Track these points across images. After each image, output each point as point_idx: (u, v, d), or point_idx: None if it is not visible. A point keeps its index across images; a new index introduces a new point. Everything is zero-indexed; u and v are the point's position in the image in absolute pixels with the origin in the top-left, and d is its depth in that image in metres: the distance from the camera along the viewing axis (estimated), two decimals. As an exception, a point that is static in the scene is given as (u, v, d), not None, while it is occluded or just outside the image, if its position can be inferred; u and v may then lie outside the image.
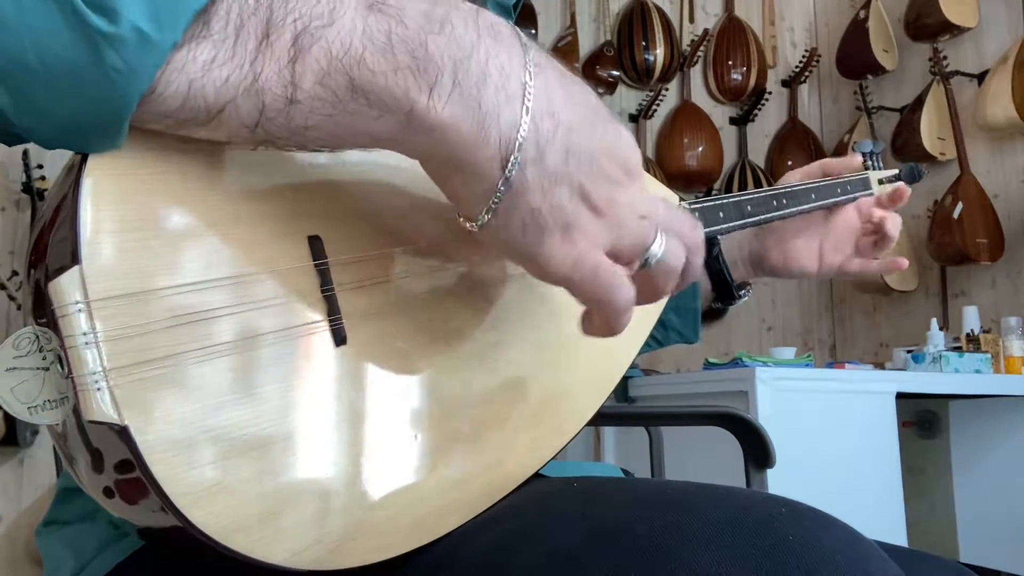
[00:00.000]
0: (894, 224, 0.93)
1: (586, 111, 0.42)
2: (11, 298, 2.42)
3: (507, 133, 0.39)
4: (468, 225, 0.42)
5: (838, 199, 0.91)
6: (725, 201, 0.80)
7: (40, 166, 2.55)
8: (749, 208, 0.82)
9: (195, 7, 0.35)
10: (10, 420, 2.38)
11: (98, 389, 0.36)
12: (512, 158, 0.39)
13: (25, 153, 2.51)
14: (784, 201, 0.86)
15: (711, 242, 0.88)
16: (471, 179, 0.40)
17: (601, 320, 0.45)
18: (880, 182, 0.98)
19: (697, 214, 0.75)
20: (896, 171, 1.00)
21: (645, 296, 0.47)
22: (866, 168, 0.98)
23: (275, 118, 0.38)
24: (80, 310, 0.36)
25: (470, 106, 0.38)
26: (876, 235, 0.94)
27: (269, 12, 0.36)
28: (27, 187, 2.51)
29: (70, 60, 0.33)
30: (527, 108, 0.39)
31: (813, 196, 0.89)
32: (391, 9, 0.38)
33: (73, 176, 0.38)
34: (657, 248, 0.45)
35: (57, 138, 0.36)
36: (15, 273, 2.51)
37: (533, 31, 3.40)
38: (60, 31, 0.33)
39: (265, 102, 0.37)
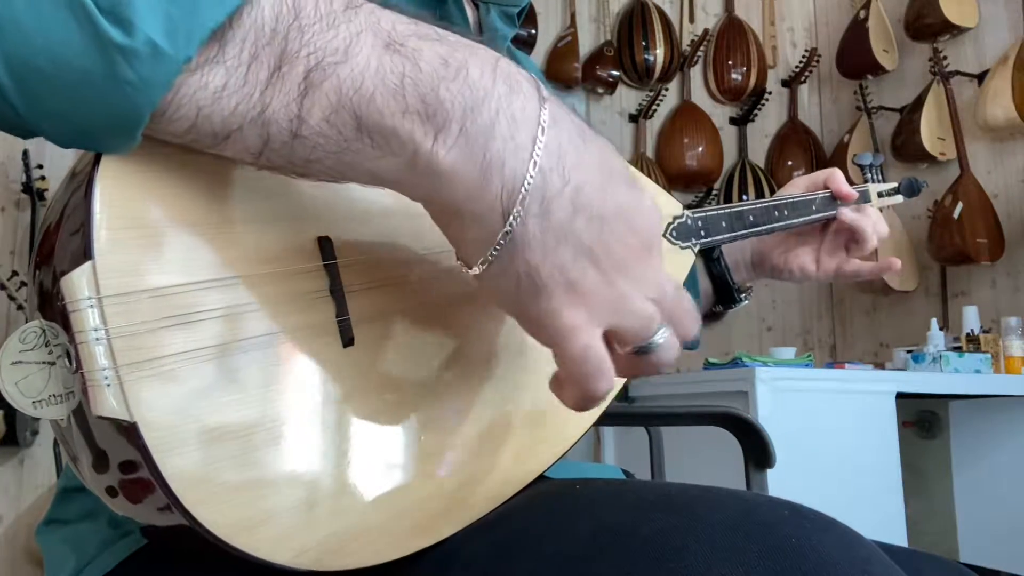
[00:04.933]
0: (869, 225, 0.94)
1: (601, 172, 0.41)
2: (11, 298, 2.42)
3: (510, 184, 0.38)
4: (464, 270, 0.41)
5: (837, 211, 0.93)
6: (728, 211, 0.81)
7: (40, 166, 2.55)
8: (751, 218, 0.83)
9: (211, 25, 0.35)
10: (10, 420, 2.38)
11: (107, 385, 0.36)
12: (515, 210, 0.38)
13: (25, 153, 2.51)
14: (785, 212, 0.88)
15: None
16: (471, 227, 0.39)
17: (571, 394, 0.43)
18: (880, 195, 1.00)
19: (700, 222, 0.76)
20: (895, 184, 1.02)
21: (625, 373, 0.44)
22: (866, 180, 1.00)
23: (279, 149, 0.38)
24: (91, 306, 0.36)
25: (474, 154, 0.37)
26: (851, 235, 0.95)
27: (284, 43, 0.36)
28: (27, 187, 2.51)
29: (83, 69, 0.33)
30: (535, 162, 0.38)
31: (813, 208, 0.92)
32: (408, 51, 0.37)
33: (84, 176, 0.38)
34: (659, 340, 0.42)
35: (70, 140, 0.37)
36: (15, 273, 2.51)
37: (533, 31, 3.40)
38: (75, 40, 0.33)
39: (270, 133, 0.37)
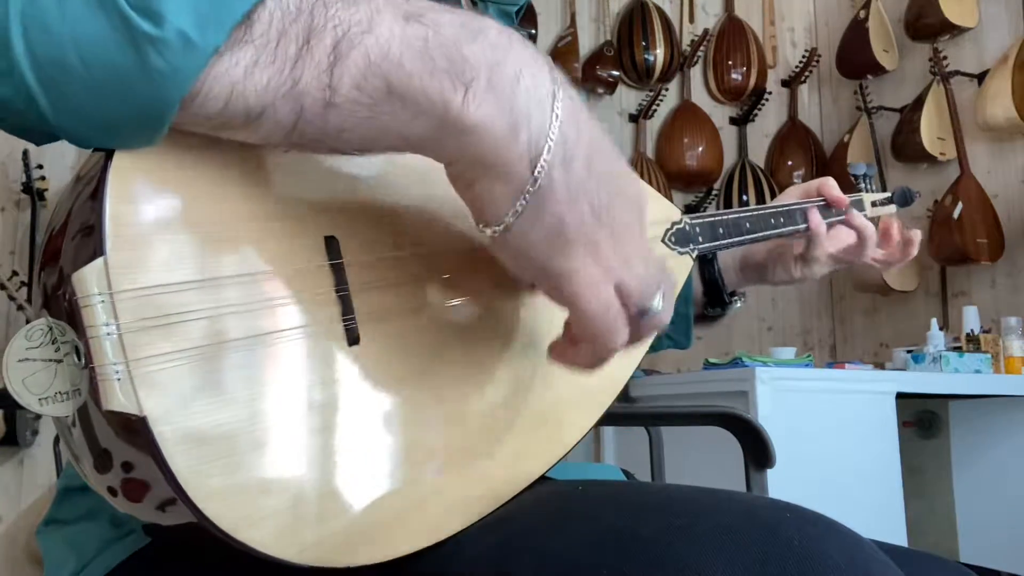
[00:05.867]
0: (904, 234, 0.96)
1: (601, 135, 0.43)
2: (11, 298, 2.42)
3: (536, 135, 0.40)
4: (488, 231, 0.42)
5: (832, 219, 0.94)
6: (725, 217, 0.81)
7: (40, 166, 2.55)
8: (748, 225, 0.84)
9: (238, 13, 0.36)
10: (10, 420, 2.38)
11: (118, 379, 0.36)
12: (542, 160, 0.40)
13: (25, 153, 2.51)
14: (781, 219, 0.89)
15: None
16: (499, 180, 0.41)
17: (586, 352, 0.46)
18: (873, 204, 1.01)
19: (698, 228, 0.76)
20: (888, 194, 1.03)
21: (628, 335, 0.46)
22: (859, 190, 1.01)
23: (312, 121, 0.39)
24: (102, 301, 0.36)
25: (503, 107, 0.39)
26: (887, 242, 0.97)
27: (310, 18, 0.37)
28: (27, 187, 2.51)
29: (114, 63, 0.34)
30: (556, 114, 0.40)
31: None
32: (428, 20, 0.39)
33: (93, 177, 0.38)
34: (658, 303, 0.45)
35: (95, 137, 0.37)
36: (15, 273, 2.51)
37: (533, 31, 3.40)
38: (105, 35, 0.34)
39: (304, 105, 0.38)
